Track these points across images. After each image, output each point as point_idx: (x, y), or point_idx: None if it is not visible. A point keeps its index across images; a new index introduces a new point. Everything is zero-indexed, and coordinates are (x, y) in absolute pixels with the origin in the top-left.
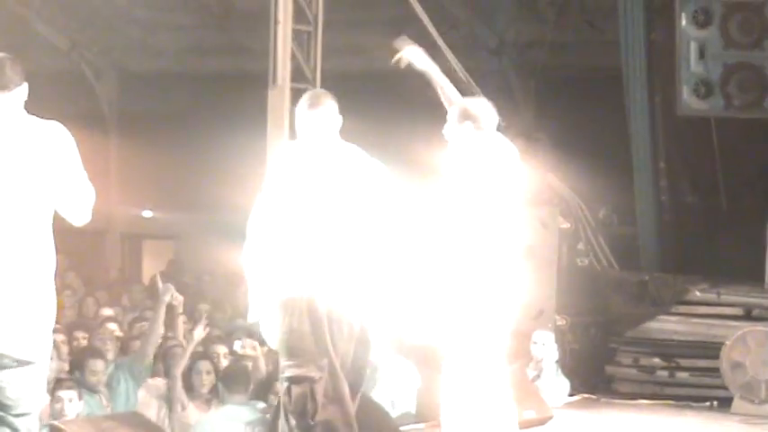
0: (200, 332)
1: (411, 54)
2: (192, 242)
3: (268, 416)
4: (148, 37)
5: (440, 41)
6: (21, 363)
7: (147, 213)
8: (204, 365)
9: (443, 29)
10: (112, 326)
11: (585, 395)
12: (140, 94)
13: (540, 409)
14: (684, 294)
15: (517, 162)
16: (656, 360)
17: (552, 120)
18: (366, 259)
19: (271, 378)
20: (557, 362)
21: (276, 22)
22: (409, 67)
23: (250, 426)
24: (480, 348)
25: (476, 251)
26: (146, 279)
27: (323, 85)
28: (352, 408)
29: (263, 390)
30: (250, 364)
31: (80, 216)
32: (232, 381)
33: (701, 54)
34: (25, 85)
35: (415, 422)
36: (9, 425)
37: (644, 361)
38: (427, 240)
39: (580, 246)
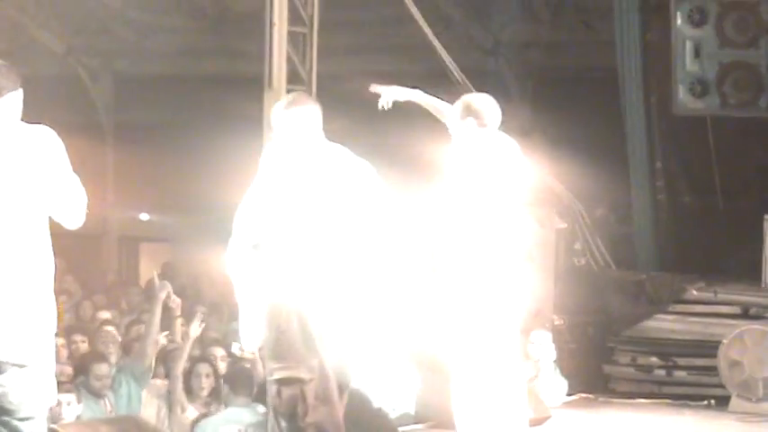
0: (195, 329)
1: (390, 93)
2: (188, 245)
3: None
4: (144, 40)
5: (435, 42)
6: (20, 366)
7: (144, 216)
8: (203, 368)
9: (438, 29)
10: (110, 329)
11: (583, 395)
12: (136, 97)
13: (538, 408)
14: (681, 293)
15: (519, 159)
16: (654, 359)
17: (548, 120)
18: (352, 259)
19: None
20: (554, 361)
21: (271, 25)
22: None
23: (251, 428)
24: (489, 348)
25: (480, 250)
26: (143, 282)
27: (319, 87)
28: (340, 409)
29: (262, 393)
30: (248, 367)
31: (73, 220)
32: (237, 382)
33: (697, 53)
34: (20, 92)
35: (414, 423)
36: (14, 429)
37: (641, 360)
38: (419, 240)
39: (577, 245)
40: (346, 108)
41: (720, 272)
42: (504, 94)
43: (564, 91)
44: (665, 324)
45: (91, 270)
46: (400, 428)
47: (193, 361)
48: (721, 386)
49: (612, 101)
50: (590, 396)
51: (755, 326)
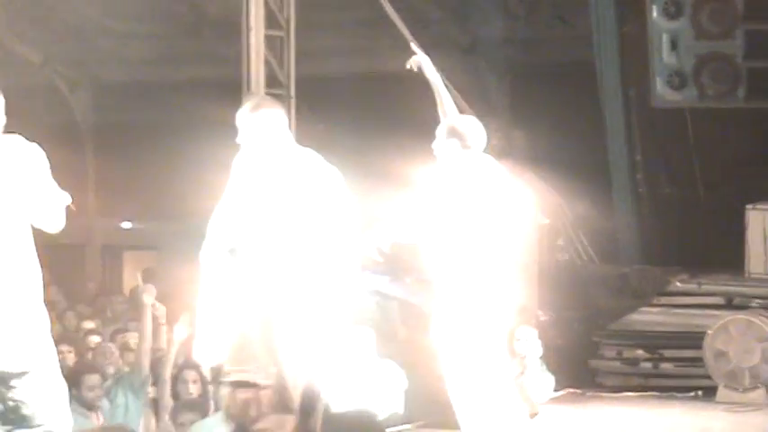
0: (179, 332)
1: (423, 60)
2: (172, 251)
3: None
4: (121, 47)
5: (413, 42)
6: (22, 374)
7: (127, 224)
8: (190, 374)
9: (416, 29)
10: (96, 338)
11: (570, 390)
12: (115, 104)
13: (526, 405)
14: (665, 285)
15: (505, 182)
16: (640, 352)
17: (528, 116)
18: (315, 267)
19: None
20: (541, 357)
21: (248, 29)
22: (412, 72)
23: None
24: (477, 347)
25: (467, 251)
26: (127, 290)
27: (298, 90)
28: (291, 421)
29: None
30: None
31: (54, 223)
32: None
33: (674, 45)
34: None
35: (403, 423)
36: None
37: (627, 353)
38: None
39: (560, 241)
40: (325, 111)
41: (703, 263)
42: (483, 91)
43: (542, 87)
44: (649, 317)
45: (75, 280)
46: (389, 429)
47: (180, 367)
48: (708, 377)
49: (591, 95)
50: (577, 391)
51: (740, 315)
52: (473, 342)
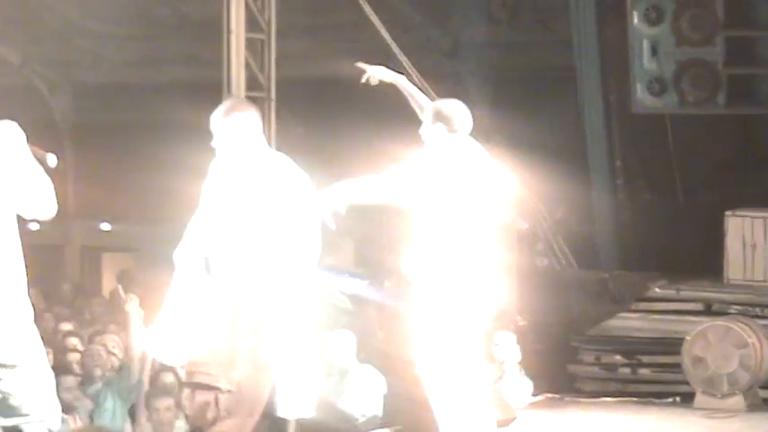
0: None
1: (376, 71)
2: (151, 254)
3: None
4: (101, 49)
5: (394, 45)
6: (11, 367)
7: (106, 226)
8: (166, 377)
9: (397, 32)
10: (74, 340)
11: (549, 395)
12: (95, 106)
13: (504, 410)
14: (644, 291)
15: (489, 165)
16: (618, 357)
17: (508, 120)
18: (286, 271)
19: None
20: (519, 362)
21: (229, 32)
22: (380, 83)
23: None
24: (456, 351)
25: (449, 254)
26: (106, 292)
27: (278, 93)
28: (252, 426)
29: None
30: None
31: (45, 208)
32: None
33: (654, 51)
34: None
35: (381, 427)
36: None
37: (606, 359)
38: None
39: (539, 246)
40: (306, 114)
41: (682, 269)
42: (464, 95)
43: (523, 91)
44: (628, 322)
45: (53, 281)
46: None
47: (158, 370)
48: (686, 383)
49: (571, 100)
50: (556, 396)
51: (718, 322)
52: (452, 346)
